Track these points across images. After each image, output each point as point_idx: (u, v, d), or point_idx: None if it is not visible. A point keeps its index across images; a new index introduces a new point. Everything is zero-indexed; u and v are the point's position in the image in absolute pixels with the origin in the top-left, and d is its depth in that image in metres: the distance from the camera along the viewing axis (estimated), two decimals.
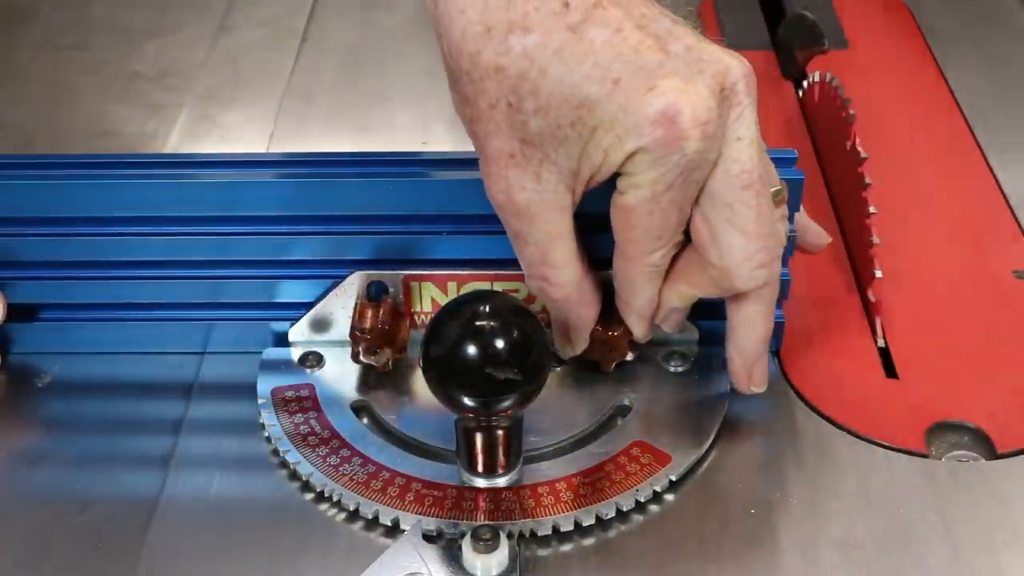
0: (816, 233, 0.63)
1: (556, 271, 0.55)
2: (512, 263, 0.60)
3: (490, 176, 0.53)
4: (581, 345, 0.59)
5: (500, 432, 0.54)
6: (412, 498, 0.54)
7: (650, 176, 0.51)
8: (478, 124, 0.52)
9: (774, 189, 0.54)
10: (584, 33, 0.50)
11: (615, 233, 0.54)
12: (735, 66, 0.51)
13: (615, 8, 0.50)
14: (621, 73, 0.50)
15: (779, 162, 0.59)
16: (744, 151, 0.51)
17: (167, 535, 0.55)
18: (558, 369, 0.62)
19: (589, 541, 0.54)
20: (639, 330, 0.58)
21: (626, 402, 0.60)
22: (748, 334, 0.57)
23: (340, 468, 0.56)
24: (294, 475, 0.57)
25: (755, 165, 0.52)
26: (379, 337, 0.59)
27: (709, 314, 0.62)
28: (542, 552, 0.54)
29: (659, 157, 0.50)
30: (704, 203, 0.52)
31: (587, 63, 0.50)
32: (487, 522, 0.53)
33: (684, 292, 0.56)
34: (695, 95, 0.50)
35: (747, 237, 0.53)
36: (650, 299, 0.56)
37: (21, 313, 0.63)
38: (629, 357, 0.60)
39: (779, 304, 0.63)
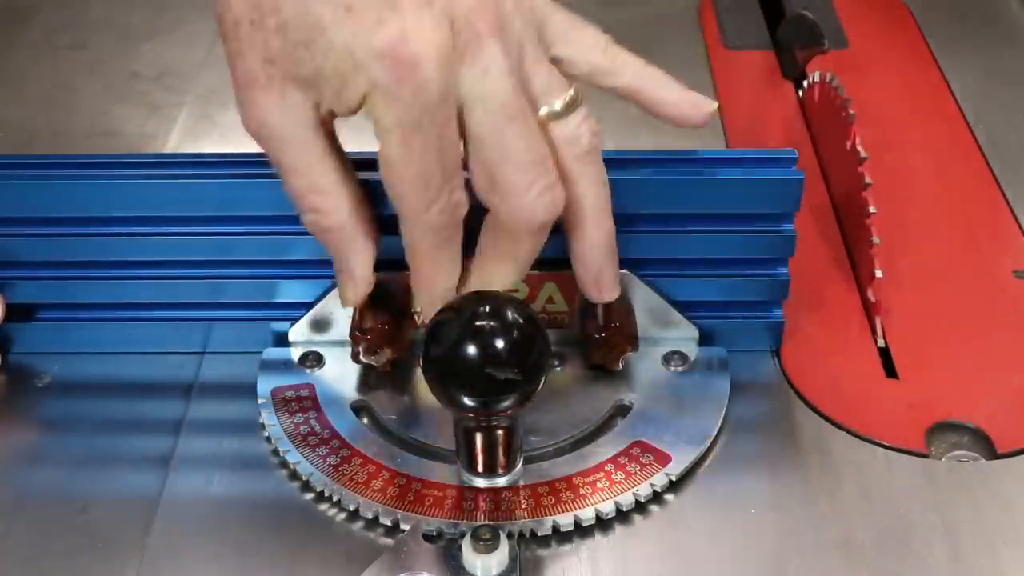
0: (680, 102, 0.58)
1: (324, 197, 0.54)
2: None
3: (241, 103, 0.52)
4: (364, 286, 0.57)
5: (500, 432, 0.54)
6: (412, 498, 0.54)
7: (392, 116, 0.50)
8: (227, 44, 0.51)
9: (560, 102, 0.53)
10: None
11: (389, 198, 0.52)
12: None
13: None
14: (353, 0, 0.49)
15: (779, 162, 0.59)
16: (496, 84, 0.50)
17: (167, 535, 0.55)
18: (558, 369, 0.62)
19: (589, 541, 0.54)
20: (428, 312, 0.56)
21: (626, 402, 0.60)
22: (581, 246, 0.56)
23: (340, 468, 0.56)
24: (294, 475, 0.57)
25: (511, 96, 0.50)
26: (379, 337, 0.59)
27: (709, 314, 0.62)
28: (542, 552, 0.54)
29: (393, 93, 0.49)
30: (475, 148, 0.51)
31: None
32: (487, 522, 0.53)
33: (500, 272, 0.55)
34: (419, 29, 0.49)
35: (523, 170, 0.51)
36: (446, 277, 0.55)
37: (21, 313, 0.63)
38: (631, 352, 0.60)
39: (779, 304, 0.63)
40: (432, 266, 0.54)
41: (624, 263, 0.61)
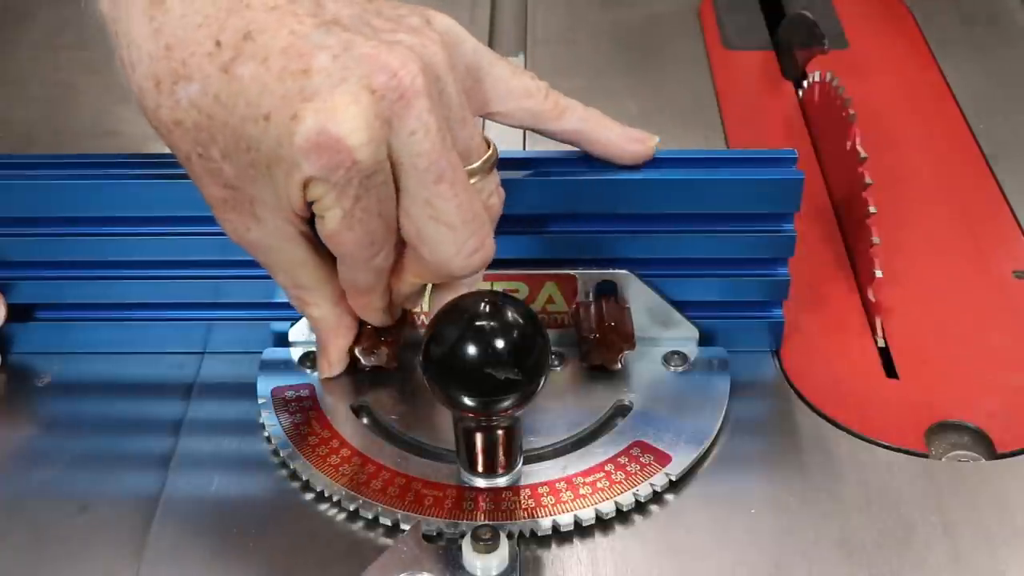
0: (622, 140, 0.59)
1: (309, 293, 0.56)
2: (512, 263, 0.60)
3: (219, 220, 0.53)
4: (338, 368, 0.59)
5: (500, 432, 0.54)
6: (412, 498, 0.54)
7: (331, 198, 0.50)
8: (189, 174, 0.52)
9: (479, 161, 0.53)
10: (234, 71, 0.49)
11: (331, 250, 0.53)
12: (387, 63, 0.49)
13: (262, 35, 0.49)
14: (270, 107, 0.49)
15: (779, 162, 0.59)
16: (422, 144, 0.50)
17: (167, 535, 0.55)
18: (558, 369, 0.62)
19: (589, 541, 0.54)
20: (380, 320, 0.58)
21: (626, 402, 0.60)
22: (440, 297, 0.56)
23: (340, 468, 0.56)
24: (294, 475, 0.57)
25: (440, 155, 0.50)
26: (377, 337, 0.59)
27: (709, 314, 0.62)
28: (542, 552, 0.54)
29: (327, 180, 0.49)
30: (405, 202, 0.51)
31: (241, 103, 0.49)
32: (487, 522, 0.53)
33: (414, 282, 0.56)
34: (334, 112, 0.48)
35: (453, 230, 0.52)
36: (382, 294, 0.56)
37: (20, 313, 0.63)
38: (628, 350, 0.60)
39: (779, 304, 0.63)
40: (369, 296, 0.56)
41: (624, 263, 0.61)
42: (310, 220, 0.53)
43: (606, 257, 0.61)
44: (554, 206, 0.60)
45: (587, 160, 0.59)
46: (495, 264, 0.60)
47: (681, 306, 0.62)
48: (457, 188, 0.51)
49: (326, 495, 0.55)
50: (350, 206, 0.50)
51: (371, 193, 0.50)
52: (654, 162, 0.60)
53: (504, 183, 0.57)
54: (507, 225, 0.60)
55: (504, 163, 0.60)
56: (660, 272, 0.61)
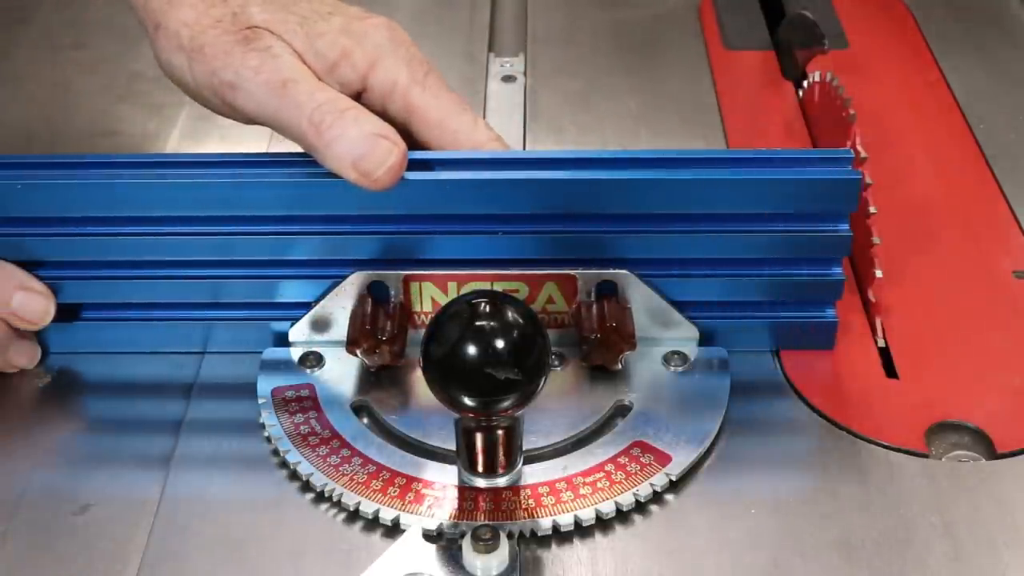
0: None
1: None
2: (512, 263, 0.60)
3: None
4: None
5: (500, 432, 0.54)
6: (412, 498, 0.55)
7: None
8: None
9: None
10: None
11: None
12: None
13: None
14: None
15: (830, 162, 0.60)
16: None
17: (167, 535, 0.55)
18: (558, 369, 0.62)
19: (589, 541, 0.54)
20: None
21: (626, 402, 0.60)
22: None
23: (340, 468, 0.56)
24: (294, 475, 0.57)
25: None
26: (378, 336, 0.59)
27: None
28: (542, 552, 0.54)
29: None
30: None
31: None
32: (487, 522, 0.53)
33: None
34: None
35: None
36: None
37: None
38: (629, 351, 0.60)
39: (832, 304, 0.63)
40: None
41: (624, 263, 0.61)
42: None
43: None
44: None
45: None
46: (495, 264, 0.60)
47: (682, 306, 0.62)
48: None
49: (326, 495, 0.55)
50: None
51: None
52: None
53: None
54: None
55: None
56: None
